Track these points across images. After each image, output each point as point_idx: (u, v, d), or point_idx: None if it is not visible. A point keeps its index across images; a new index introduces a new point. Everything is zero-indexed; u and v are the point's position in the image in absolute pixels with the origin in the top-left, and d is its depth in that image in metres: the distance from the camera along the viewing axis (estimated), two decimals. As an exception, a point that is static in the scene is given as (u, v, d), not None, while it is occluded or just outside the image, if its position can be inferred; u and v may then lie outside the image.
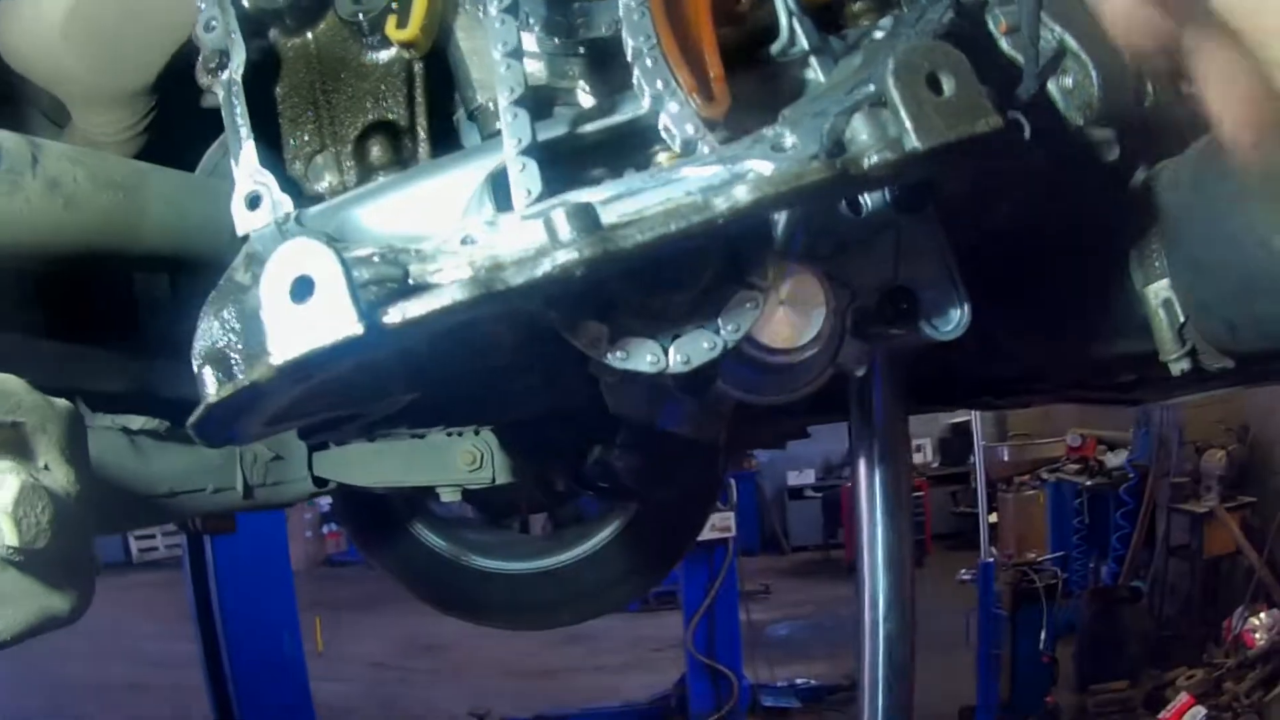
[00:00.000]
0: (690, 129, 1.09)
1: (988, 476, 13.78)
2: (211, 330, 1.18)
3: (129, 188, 1.61)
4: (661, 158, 1.21)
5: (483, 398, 2.14)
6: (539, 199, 1.07)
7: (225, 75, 1.35)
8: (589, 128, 1.21)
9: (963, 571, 11.46)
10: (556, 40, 1.32)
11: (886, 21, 1.39)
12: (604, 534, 4.07)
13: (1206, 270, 1.47)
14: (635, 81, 1.14)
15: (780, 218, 1.23)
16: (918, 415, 2.55)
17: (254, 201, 1.29)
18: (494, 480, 2.81)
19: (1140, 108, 1.53)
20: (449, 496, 2.96)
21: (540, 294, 0.92)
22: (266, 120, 1.41)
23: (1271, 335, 1.44)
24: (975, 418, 13.59)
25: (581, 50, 1.32)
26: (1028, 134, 1.30)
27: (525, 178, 1.09)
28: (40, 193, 1.48)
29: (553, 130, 1.19)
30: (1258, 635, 10.19)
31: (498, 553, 4.19)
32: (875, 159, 1.00)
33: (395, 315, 0.87)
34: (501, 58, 1.14)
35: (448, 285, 0.88)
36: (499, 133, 1.30)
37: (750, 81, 1.28)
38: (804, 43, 1.32)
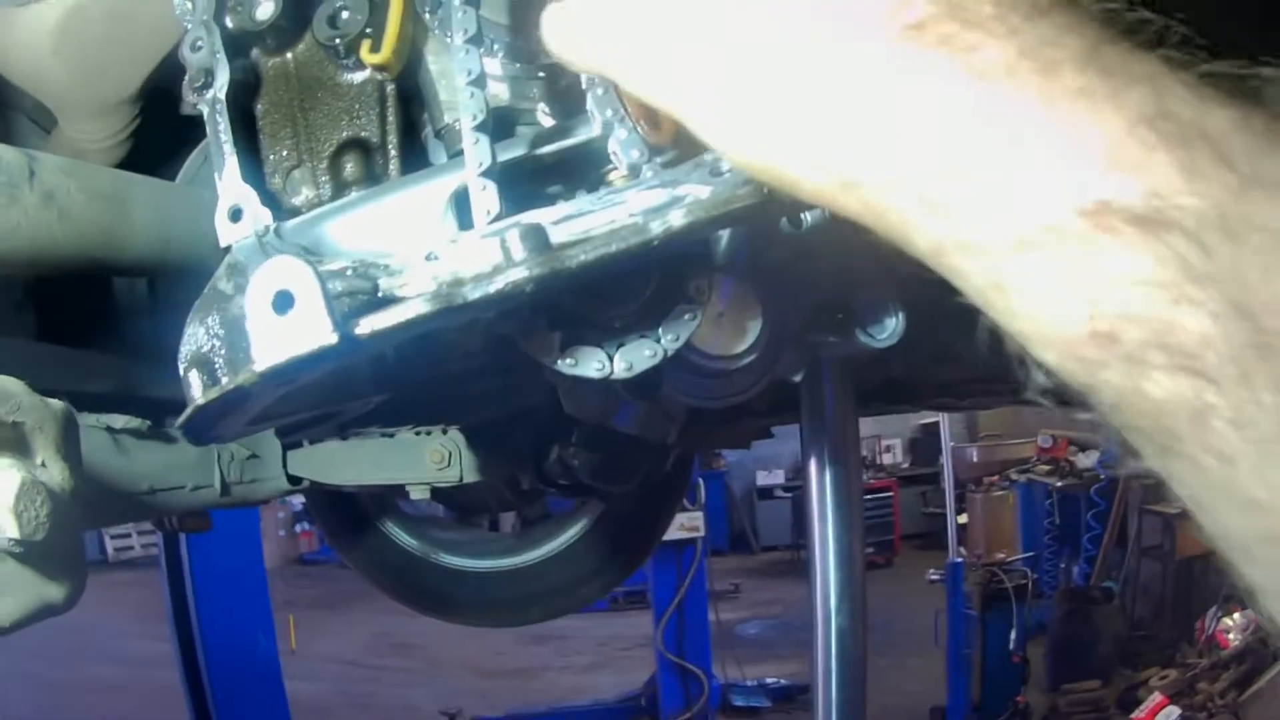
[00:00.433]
0: (636, 154, 1.18)
1: (957, 477, 13.88)
2: (197, 336, 1.25)
3: (118, 198, 1.68)
4: (613, 176, 1.30)
5: (448, 399, 2.22)
6: (497, 218, 1.16)
7: (210, 93, 1.42)
8: (546, 149, 1.30)
9: (931, 571, 11.52)
10: (518, 65, 1.41)
11: None
12: (572, 532, 4.15)
13: None
14: (588, 109, 1.23)
15: (724, 234, 1.33)
16: (887, 416, 2.62)
17: (236, 215, 1.36)
18: (462, 478, 2.89)
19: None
20: (418, 495, 3.04)
21: (496, 307, 1.01)
22: (248, 135, 1.48)
23: None
24: (943, 418, 13.68)
25: (541, 74, 1.41)
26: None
27: (485, 198, 1.18)
28: (37, 205, 1.55)
29: (513, 151, 1.28)
30: (1231, 636, 10.26)
31: (467, 551, 4.26)
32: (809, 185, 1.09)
33: (365, 327, 0.96)
34: (465, 85, 1.23)
35: (412, 299, 0.98)
36: (463, 152, 1.40)
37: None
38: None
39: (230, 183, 1.38)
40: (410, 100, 1.53)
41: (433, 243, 1.10)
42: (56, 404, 1.38)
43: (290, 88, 1.53)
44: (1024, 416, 15.02)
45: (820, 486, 2.24)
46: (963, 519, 14.24)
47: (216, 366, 1.21)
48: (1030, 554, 13.14)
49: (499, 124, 1.30)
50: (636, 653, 13.36)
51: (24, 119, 2.15)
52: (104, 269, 1.79)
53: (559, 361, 1.20)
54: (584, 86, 1.23)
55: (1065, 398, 0.69)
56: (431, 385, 1.75)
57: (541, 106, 1.40)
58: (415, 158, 1.52)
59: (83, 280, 2.11)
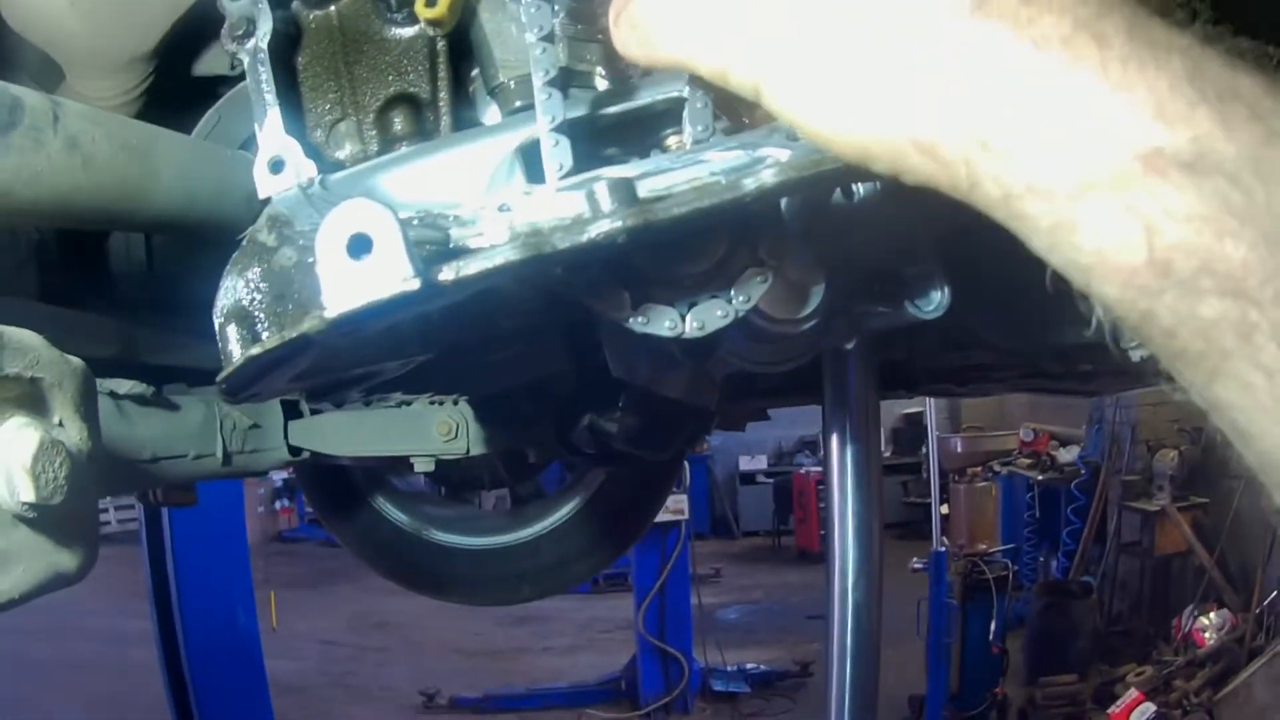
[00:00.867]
0: (711, 120, 1.18)
1: (940, 467, 13.93)
2: (235, 289, 1.22)
3: (143, 150, 1.64)
4: (671, 141, 1.29)
5: (468, 367, 2.20)
6: (570, 173, 1.14)
7: (251, 43, 1.39)
8: (610, 110, 1.29)
9: (914, 560, 11.56)
10: (579, 26, 1.39)
11: None
12: (564, 510, 4.14)
13: None
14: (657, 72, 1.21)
15: (783, 200, 1.32)
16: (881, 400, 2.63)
17: (277, 166, 1.34)
18: (469, 451, 2.88)
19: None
20: (423, 467, 3.02)
21: (579, 260, 0.99)
22: (288, 88, 1.46)
23: None
24: (929, 407, 13.71)
25: (600, 37, 1.38)
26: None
27: (559, 153, 1.16)
28: (60, 151, 1.50)
29: (575, 110, 1.26)
30: (1208, 634, 10.33)
31: (459, 527, 4.24)
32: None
33: (449, 273, 0.94)
34: (536, 40, 1.21)
35: (497, 248, 0.96)
36: (520, 109, 1.38)
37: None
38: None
39: (271, 134, 1.35)
40: (460, 57, 1.51)
41: (503, 195, 1.08)
42: (75, 361, 1.33)
43: (334, 40, 1.50)
44: (1007, 409, 15.10)
45: (841, 463, 2.23)
46: (945, 509, 14.31)
47: (257, 320, 1.19)
48: (1010, 546, 13.19)
49: (560, 83, 1.28)
50: (617, 635, 13.38)
51: (27, 79, 2.11)
52: (126, 223, 1.76)
53: (631, 319, 1.18)
54: None
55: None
56: (465, 347, 1.73)
57: (599, 69, 1.38)
58: (464, 114, 1.50)
59: (84, 240, 2.08)
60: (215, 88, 1.99)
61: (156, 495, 3.37)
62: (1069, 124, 0.73)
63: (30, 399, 1.24)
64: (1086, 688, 10.61)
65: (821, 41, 0.83)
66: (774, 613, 14.90)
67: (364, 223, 0.93)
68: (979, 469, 15.04)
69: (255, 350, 1.10)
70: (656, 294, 1.17)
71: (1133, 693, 9.66)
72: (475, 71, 1.51)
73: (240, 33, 1.41)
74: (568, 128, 1.19)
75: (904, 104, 0.80)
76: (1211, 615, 10.49)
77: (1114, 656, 11.22)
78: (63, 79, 2.01)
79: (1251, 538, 10.76)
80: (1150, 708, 9.50)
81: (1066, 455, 13.78)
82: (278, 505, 20.59)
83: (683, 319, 1.18)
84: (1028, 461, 14.18)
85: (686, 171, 1.05)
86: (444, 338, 1.49)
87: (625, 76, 1.37)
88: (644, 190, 1.01)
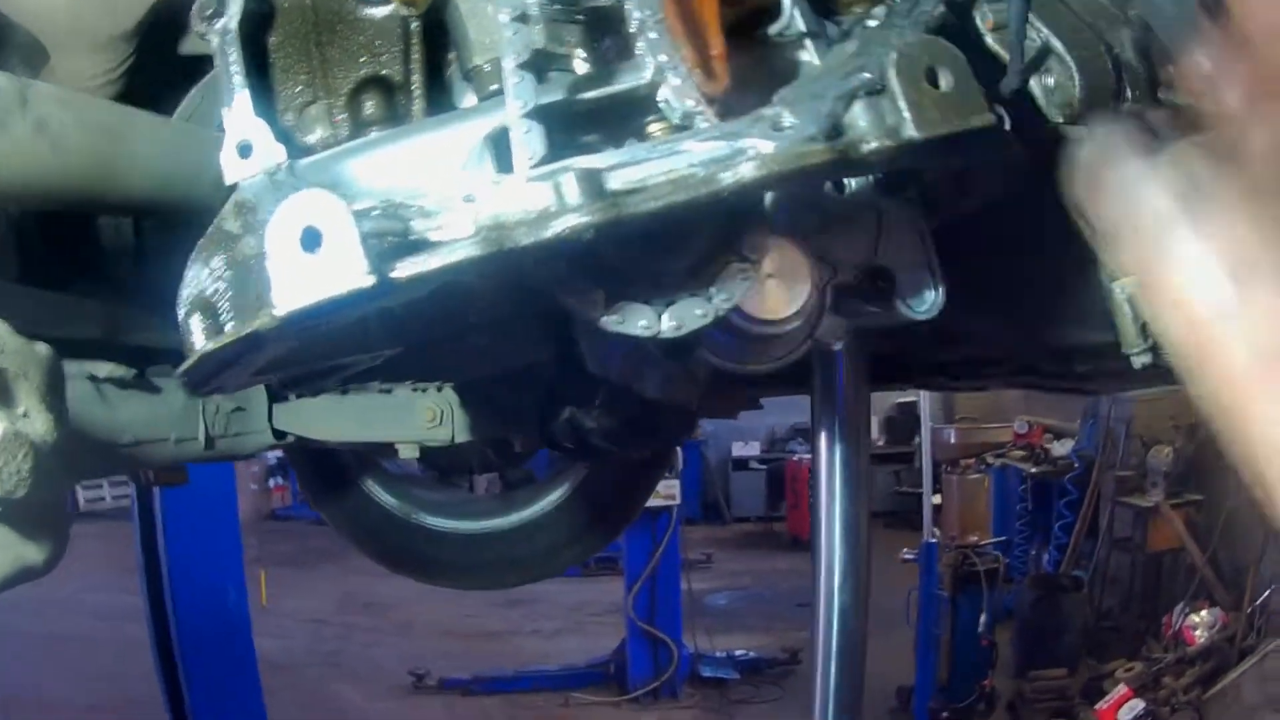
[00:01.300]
0: (690, 103, 1.12)
1: (933, 458, 13.89)
2: (199, 278, 1.18)
3: (115, 132, 1.60)
4: (654, 129, 1.23)
5: (449, 354, 2.16)
6: (541, 162, 1.09)
7: (221, 23, 1.35)
8: (586, 95, 1.23)
9: (905, 551, 11.53)
10: (557, 6, 1.33)
11: (880, 11, 1.43)
12: (555, 496, 4.10)
13: None
14: (637, 55, 1.16)
15: (768, 194, 1.27)
16: (872, 391, 2.60)
17: (245, 150, 1.29)
18: (453, 438, 2.84)
19: (1117, 110, 1.57)
20: (407, 453, 2.98)
21: (545, 255, 0.94)
22: (259, 70, 1.41)
23: None
24: (923, 398, 13.66)
25: (580, 18, 1.33)
26: (1007, 126, 1.34)
27: (529, 140, 1.11)
28: (28, 134, 1.46)
29: (550, 95, 1.21)
30: (1198, 633, 10.28)
31: (449, 512, 4.21)
32: (873, 145, 1.04)
33: (405, 270, 0.89)
34: (509, 21, 1.16)
35: (458, 242, 0.91)
36: (495, 94, 1.32)
37: (745, 59, 1.31)
38: (801, 25, 1.36)
39: (240, 117, 1.31)
40: (435, 38, 1.45)
41: (470, 185, 1.03)
42: (42, 348, 1.29)
43: (306, 21, 1.45)
44: (1002, 401, 15.03)
45: (829, 462, 2.19)
46: (937, 500, 14.28)
47: (221, 311, 1.14)
48: (1002, 539, 13.15)
49: (535, 67, 1.23)
50: (607, 619, 13.34)
51: (14, 58, 2.07)
52: (98, 205, 1.72)
53: (604, 317, 1.12)
54: (633, 30, 1.16)
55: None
56: (442, 339, 1.68)
57: (578, 52, 1.32)
58: (439, 98, 1.45)
59: (68, 220, 2.04)
60: (200, 67, 1.96)
61: (148, 474, 3.34)
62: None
63: (-7, 388, 1.20)
64: (1075, 682, 10.58)
65: None
66: (764, 599, 14.86)
67: (317, 215, 0.88)
68: (972, 460, 14.99)
69: (209, 347, 1.06)
70: (632, 291, 1.12)
71: (1121, 689, 9.63)
72: (452, 54, 1.46)
73: (210, 12, 1.36)
74: (541, 114, 1.14)
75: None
76: (1202, 613, 10.44)
77: (1103, 652, 11.17)
78: (49, 60, 1.97)
79: (1244, 536, 10.71)
80: (1139, 704, 9.47)
81: (1060, 449, 13.71)
82: (271, 483, 20.53)
83: (659, 318, 1.13)
84: (1021, 454, 14.12)
85: (663, 162, 0.99)
86: (413, 330, 1.44)
87: (606, 61, 1.32)
88: (616, 182, 0.96)
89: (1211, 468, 10.97)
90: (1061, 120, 1.54)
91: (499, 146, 1.18)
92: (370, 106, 1.42)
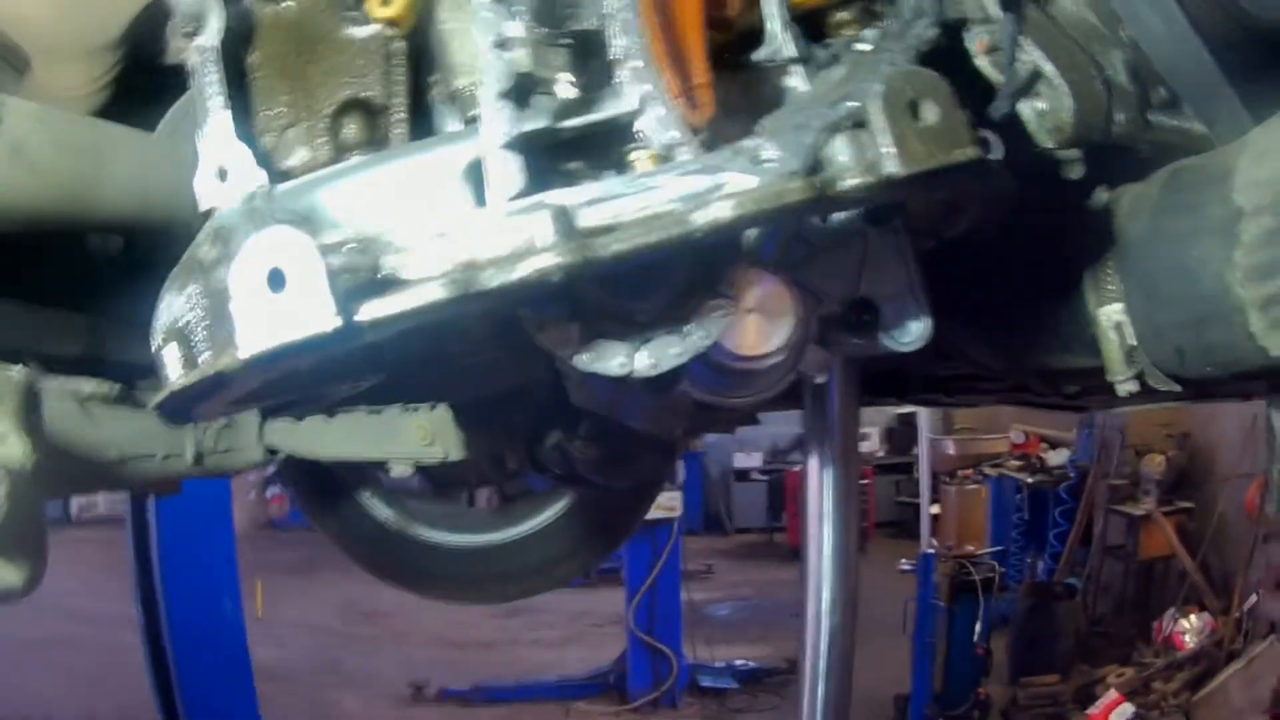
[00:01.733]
0: (672, 134, 1.09)
1: (932, 469, 13.88)
2: (174, 307, 1.15)
3: (94, 151, 1.58)
4: (639, 155, 1.21)
5: (438, 376, 2.13)
6: (518, 195, 1.06)
7: (200, 41, 1.32)
8: (569, 123, 1.20)
9: (903, 561, 11.52)
10: (542, 30, 1.30)
11: (870, 34, 1.41)
12: (552, 510, 4.07)
13: (1161, 299, 1.52)
14: (620, 82, 1.13)
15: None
16: (867, 406, 2.59)
17: (222, 175, 1.26)
18: (447, 456, 2.81)
19: (1108, 134, 1.55)
20: (400, 471, 2.95)
21: (515, 296, 0.91)
22: (238, 89, 1.38)
23: (1219, 363, 1.48)
24: (922, 411, 13.68)
25: (566, 41, 1.30)
26: (998, 153, 1.32)
27: (506, 173, 1.08)
28: (4, 156, 1.46)
29: (533, 122, 1.18)
30: (1187, 637, 10.37)
31: (445, 525, 4.18)
32: (853, 182, 1.02)
33: (369, 312, 0.87)
34: (490, 48, 1.13)
35: (424, 284, 0.88)
36: (478, 118, 1.29)
37: (731, 85, 1.29)
38: (789, 51, 1.33)
39: (217, 140, 1.27)
40: (419, 59, 1.42)
41: (444, 219, 1.01)
42: (17, 372, 1.29)
43: (288, 39, 1.42)
44: (999, 412, 15.02)
45: (819, 487, 2.17)
46: (935, 510, 14.27)
47: (196, 341, 1.11)
48: (999, 548, 13.16)
49: (518, 92, 1.20)
50: (607, 629, 13.30)
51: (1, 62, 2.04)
52: (78, 225, 1.70)
53: (577, 355, 1.10)
54: (618, 58, 1.14)
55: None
56: (425, 365, 1.66)
57: (564, 75, 1.29)
58: (423, 122, 1.42)
59: (52, 235, 2.01)
60: (188, 77, 1.93)
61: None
62: None
63: (-33, 415, 1.18)
64: (1068, 688, 10.62)
65: None
66: (763, 609, 14.82)
67: (283, 256, 0.86)
68: (970, 471, 15.00)
69: (176, 386, 1.03)
70: (607, 328, 1.09)
71: (1112, 694, 9.67)
72: (435, 75, 1.43)
73: (189, 29, 1.33)
74: (523, 142, 1.11)
75: None
76: (1192, 618, 10.54)
77: (1096, 658, 11.22)
78: (31, 65, 1.95)
79: (1233, 542, 10.82)
80: (1129, 709, 9.50)
81: (1056, 458, 13.75)
82: (269, 493, 20.45)
83: (634, 356, 1.10)
84: (1018, 464, 14.13)
85: (638, 199, 0.97)
86: (393, 359, 1.42)
87: (592, 84, 1.29)
88: (589, 219, 0.94)
89: (1202, 474, 11.05)
90: (1052, 145, 1.52)
91: (475, 177, 1.15)
92: (352, 129, 1.39)
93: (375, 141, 1.38)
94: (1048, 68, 1.51)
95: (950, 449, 15.62)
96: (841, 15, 1.45)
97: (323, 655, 13.11)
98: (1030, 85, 1.51)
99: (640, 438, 1.66)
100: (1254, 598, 9.98)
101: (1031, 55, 1.51)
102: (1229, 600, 10.43)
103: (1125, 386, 1.61)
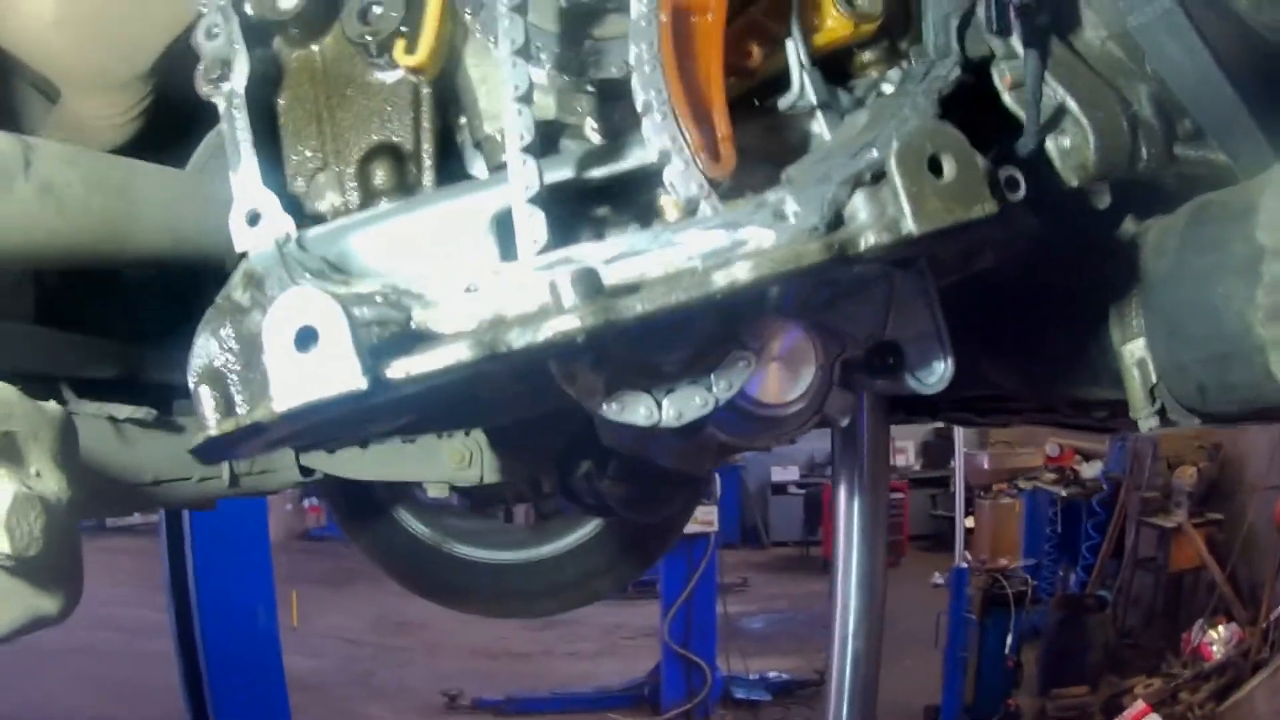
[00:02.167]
0: (695, 187, 1.10)
1: (968, 482, 13.83)
2: (209, 348, 1.17)
3: (123, 189, 1.58)
4: (665, 202, 1.22)
5: (470, 410, 2.14)
6: (545, 248, 1.08)
7: (227, 86, 1.33)
8: (594, 173, 1.22)
9: (936, 575, 11.51)
10: (567, 77, 1.32)
11: (894, 74, 1.42)
12: (588, 527, 4.08)
13: (1184, 337, 1.52)
14: (644, 134, 1.14)
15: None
16: (900, 425, 2.61)
17: (254, 219, 1.27)
18: (482, 479, 2.82)
19: (1133, 169, 1.56)
20: (436, 492, 2.97)
21: (539, 354, 0.93)
22: (268, 132, 1.39)
23: (1240, 401, 1.49)
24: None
25: (590, 88, 1.32)
26: (1023, 192, 1.33)
27: (532, 226, 1.09)
28: (33, 196, 1.46)
29: (560, 172, 1.19)
30: (1215, 648, 10.34)
31: (481, 541, 4.19)
32: (872, 241, 1.03)
33: (398, 370, 0.89)
34: (513, 101, 1.14)
35: (451, 343, 0.90)
36: (505, 165, 1.31)
37: (755, 131, 1.30)
38: (812, 97, 1.34)
39: (247, 184, 1.29)
40: (447, 104, 1.43)
41: (472, 271, 1.02)
42: (53, 409, 1.30)
43: (316, 83, 1.43)
44: (1035, 426, 14.92)
45: (848, 509, 2.18)
46: (970, 523, 14.21)
47: (231, 385, 1.13)
48: (1032, 561, 13.11)
49: (544, 138, 1.21)
50: (642, 641, 13.31)
51: (28, 88, 2.05)
52: (110, 263, 1.70)
53: (604, 406, 1.11)
54: (640, 110, 1.15)
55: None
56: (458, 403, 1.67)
57: (590, 122, 1.31)
58: (451, 166, 1.42)
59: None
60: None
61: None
62: None
63: (5, 451, 1.23)
64: (1096, 699, 10.60)
65: None
66: (798, 622, 14.78)
67: (311, 315, 0.88)
68: (1004, 485, 14.93)
69: (214, 433, 1.05)
70: (632, 380, 1.11)
71: (1139, 704, 9.65)
72: (463, 119, 1.44)
73: (215, 75, 1.34)
74: (548, 193, 1.13)
75: None
76: (1220, 629, 10.50)
77: (1125, 669, 11.18)
78: (61, 96, 1.96)
79: (1262, 553, 10.78)
80: (1156, 719, 9.46)
81: (1090, 470, 13.66)
82: (305, 503, 20.49)
83: (659, 406, 1.12)
84: (1052, 477, 14.05)
85: (661, 255, 0.98)
86: (422, 405, 1.43)
87: (618, 129, 1.30)
88: (614, 276, 0.95)
89: (1232, 486, 11.00)
90: (1076, 182, 1.53)
91: (504, 226, 1.16)
92: (381, 175, 1.39)
93: (404, 187, 1.39)
94: (1072, 104, 1.52)
95: (985, 463, 15.55)
96: (866, 55, 1.46)
97: (356, 666, 13.16)
98: (1056, 122, 1.51)
99: (669, 473, 1.67)
100: (1281, 608, 9.95)
101: (1056, 91, 1.52)
102: (1256, 611, 10.39)
103: (1147, 423, 1.61)
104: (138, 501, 2.64)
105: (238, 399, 1.11)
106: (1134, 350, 1.61)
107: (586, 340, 0.89)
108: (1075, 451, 14.12)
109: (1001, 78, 1.49)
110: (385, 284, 1.04)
